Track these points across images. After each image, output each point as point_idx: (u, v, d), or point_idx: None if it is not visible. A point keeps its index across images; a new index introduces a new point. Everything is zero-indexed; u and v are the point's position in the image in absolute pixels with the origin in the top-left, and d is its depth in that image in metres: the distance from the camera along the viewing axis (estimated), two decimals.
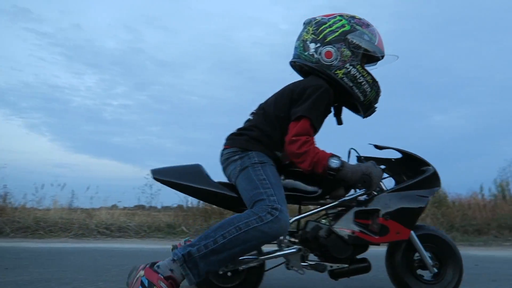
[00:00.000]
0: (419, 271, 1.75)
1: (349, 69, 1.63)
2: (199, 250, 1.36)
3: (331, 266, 1.67)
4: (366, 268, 1.71)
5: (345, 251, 1.63)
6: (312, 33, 1.69)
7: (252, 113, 1.77)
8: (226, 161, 1.68)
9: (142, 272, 1.34)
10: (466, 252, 4.54)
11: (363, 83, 1.65)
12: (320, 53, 1.65)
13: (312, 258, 1.72)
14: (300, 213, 1.77)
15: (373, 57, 1.73)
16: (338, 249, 1.63)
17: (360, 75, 1.64)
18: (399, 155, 1.80)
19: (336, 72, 1.64)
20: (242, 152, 1.62)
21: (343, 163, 1.55)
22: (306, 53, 1.69)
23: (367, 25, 1.71)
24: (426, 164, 1.72)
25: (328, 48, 1.64)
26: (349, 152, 1.77)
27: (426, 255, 1.70)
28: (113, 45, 18.67)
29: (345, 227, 1.64)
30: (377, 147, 1.80)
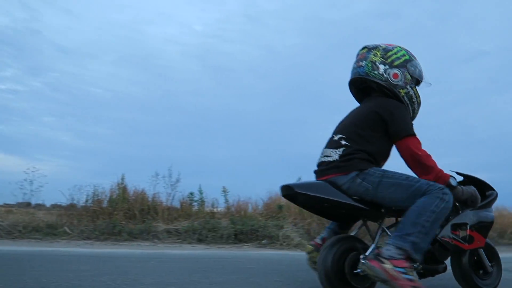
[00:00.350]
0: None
1: (408, 90, 2.01)
2: (418, 237, 1.67)
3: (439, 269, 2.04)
4: (445, 269, 2.07)
5: (445, 256, 2.01)
6: (380, 57, 2.02)
7: (337, 141, 1.95)
8: (352, 186, 1.84)
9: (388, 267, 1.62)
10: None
11: (415, 103, 2.05)
12: (388, 74, 1.98)
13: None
14: None
15: (418, 82, 2.13)
16: (441, 255, 1.97)
17: (414, 96, 2.04)
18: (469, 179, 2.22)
19: (399, 91, 1.99)
20: (362, 173, 1.83)
21: (457, 183, 1.92)
22: (375, 72, 1.99)
23: (415, 58, 2.13)
24: (492, 188, 2.19)
25: (395, 71, 1.99)
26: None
27: (487, 261, 2.20)
28: (5, 22, 16.48)
29: (446, 237, 1.96)
30: (458, 174, 2.17)
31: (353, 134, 1.91)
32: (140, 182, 6.41)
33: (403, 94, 1.98)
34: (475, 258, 2.18)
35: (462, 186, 1.93)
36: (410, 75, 2.01)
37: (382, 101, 1.94)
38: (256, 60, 22.48)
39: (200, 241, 5.54)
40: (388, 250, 1.67)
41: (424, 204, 1.69)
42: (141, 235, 5.47)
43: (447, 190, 1.75)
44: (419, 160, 1.83)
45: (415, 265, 1.72)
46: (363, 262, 1.72)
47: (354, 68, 2.10)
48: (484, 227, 2.05)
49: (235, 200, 6.69)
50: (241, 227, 5.79)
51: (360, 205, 1.86)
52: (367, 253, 1.79)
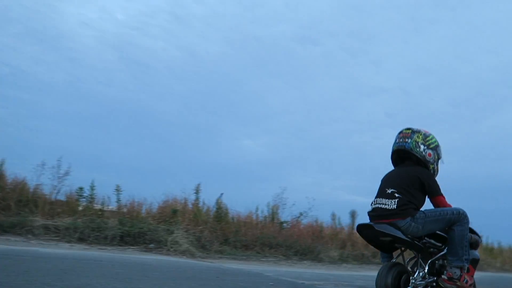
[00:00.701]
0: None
1: (434, 166, 2.83)
2: (466, 253, 2.63)
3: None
4: None
5: None
6: (422, 139, 2.78)
7: (391, 193, 2.64)
8: (408, 228, 2.55)
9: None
10: (221, 265, 5.11)
11: (435, 175, 2.85)
12: (425, 152, 2.76)
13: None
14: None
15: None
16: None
17: (437, 170, 2.85)
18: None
19: (430, 165, 2.80)
20: (413, 218, 2.57)
21: None
22: (417, 149, 2.75)
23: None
24: (478, 234, 2.96)
25: (430, 151, 2.78)
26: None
27: None
28: None
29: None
30: None
31: (403, 190, 2.64)
32: (23, 170, 5.87)
33: (431, 167, 2.80)
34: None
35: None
36: (438, 156, 2.83)
37: (421, 170, 2.75)
38: (176, 60, 22.14)
39: (81, 240, 5.22)
40: (455, 273, 2.58)
41: (461, 232, 2.62)
42: (13, 229, 5.00)
43: (464, 212, 2.69)
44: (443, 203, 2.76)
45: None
46: (439, 283, 2.68)
47: (399, 142, 2.84)
48: (474, 262, 2.85)
49: (128, 200, 6.45)
50: (129, 229, 5.59)
51: (417, 243, 2.62)
52: (417, 276, 2.63)
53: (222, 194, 7.62)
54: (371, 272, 6.55)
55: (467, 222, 2.64)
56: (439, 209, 2.64)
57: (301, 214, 8.15)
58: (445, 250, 2.67)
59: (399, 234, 2.48)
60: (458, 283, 2.54)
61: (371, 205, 2.71)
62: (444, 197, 2.70)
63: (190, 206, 7.34)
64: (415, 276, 2.57)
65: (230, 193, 8.16)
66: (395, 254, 2.87)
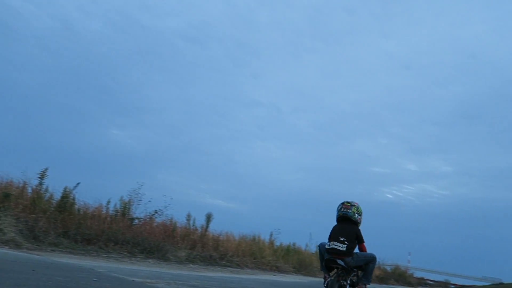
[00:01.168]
0: None
1: (359, 223, 4.34)
2: (370, 280, 4.46)
3: None
4: None
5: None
6: (356, 210, 4.31)
7: (343, 241, 4.13)
8: (350, 262, 4.14)
9: None
10: (48, 258, 4.69)
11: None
12: (358, 217, 4.31)
13: None
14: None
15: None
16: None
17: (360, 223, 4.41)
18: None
19: (359, 224, 4.32)
20: (352, 257, 4.15)
21: None
22: (354, 216, 4.27)
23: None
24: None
25: (359, 217, 4.33)
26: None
27: None
28: None
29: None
30: None
31: (348, 239, 4.17)
32: None
33: (359, 226, 4.37)
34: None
35: None
36: (361, 218, 4.41)
37: (356, 228, 4.32)
38: (47, 30, 19.90)
39: None
40: (364, 285, 4.34)
41: (372, 267, 4.45)
42: None
43: (375, 256, 4.40)
44: (364, 250, 4.38)
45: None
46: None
47: (343, 210, 4.36)
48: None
49: None
50: None
51: (350, 269, 4.27)
52: (347, 285, 4.27)
53: (78, 183, 7.02)
54: (215, 274, 6.79)
55: (375, 261, 4.53)
56: (364, 253, 4.39)
57: (155, 212, 8.01)
58: (361, 274, 4.50)
59: (345, 265, 4.19)
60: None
61: (329, 245, 4.26)
62: (365, 244, 4.45)
63: (30, 191, 6.60)
64: (346, 286, 4.38)
65: (86, 183, 7.58)
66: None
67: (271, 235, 11.39)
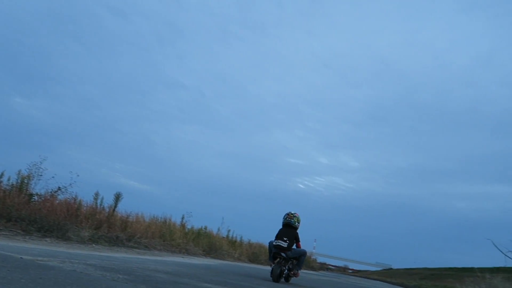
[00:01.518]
0: None
1: (298, 228, 6.65)
2: (301, 267, 6.76)
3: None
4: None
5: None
6: (297, 219, 6.62)
7: (285, 240, 6.30)
8: (290, 254, 6.34)
9: None
10: None
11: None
12: (297, 224, 6.60)
13: None
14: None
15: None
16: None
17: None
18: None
19: (297, 229, 6.63)
20: (291, 251, 6.35)
21: None
22: (295, 224, 6.56)
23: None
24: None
25: (299, 224, 6.61)
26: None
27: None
28: None
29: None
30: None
31: (289, 239, 6.26)
32: None
33: (297, 230, 6.52)
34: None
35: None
36: (299, 225, 6.56)
37: (295, 232, 6.47)
38: None
39: None
40: (296, 272, 6.60)
41: (303, 259, 6.58)
42: None
43: (306, 252, 6.73)
44: (299, 247, 6.55)
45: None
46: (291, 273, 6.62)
47: (288, 219, 6.57)
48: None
49: None
50: None
51: (291, 259, 6.44)
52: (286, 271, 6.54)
53: None
54: (118, 254, 6.62)
55: (306, 255, 6.66)
56: (299, 249, 6.46)
57: (59, 188, 7.53)
58: (295, 263, 6.51)
59: (286, 256, 6.20)
60: (297, 275, 6.62)
61: (276, 242, 6.27)
62: (300, 243, 6.48)
63: None
64: (285, 271, 6.41)
65: None
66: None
67: (182, 218, 11.39)
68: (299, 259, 6.45)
